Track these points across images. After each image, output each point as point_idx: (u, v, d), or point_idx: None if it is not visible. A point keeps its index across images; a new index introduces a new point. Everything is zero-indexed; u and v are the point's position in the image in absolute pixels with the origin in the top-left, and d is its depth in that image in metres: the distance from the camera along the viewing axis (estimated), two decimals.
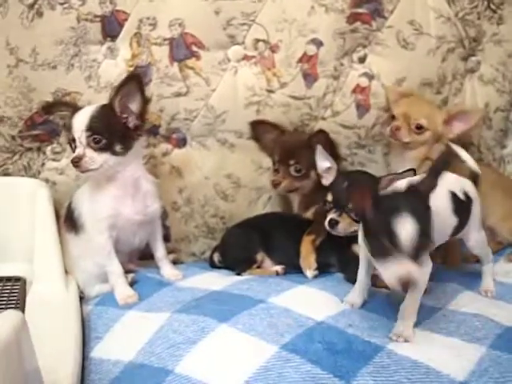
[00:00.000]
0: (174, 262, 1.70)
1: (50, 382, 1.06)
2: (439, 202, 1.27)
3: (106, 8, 1.66)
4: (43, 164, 1.75)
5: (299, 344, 1.17)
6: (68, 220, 1.61)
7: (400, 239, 1.09)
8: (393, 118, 1.70)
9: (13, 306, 1.39)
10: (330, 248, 1.55)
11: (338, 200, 1.49)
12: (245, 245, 1.64)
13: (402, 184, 1.21)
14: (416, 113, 1.67)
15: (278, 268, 1.59)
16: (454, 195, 1.32)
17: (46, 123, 1.71)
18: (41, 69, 1.66)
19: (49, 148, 1.74)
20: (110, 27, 1.68)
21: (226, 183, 1.82)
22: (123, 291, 1.49)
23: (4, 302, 1.40)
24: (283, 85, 1.76)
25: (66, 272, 1.58)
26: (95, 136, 1.46)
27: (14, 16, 1.62)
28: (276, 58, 1.74)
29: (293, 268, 1.57)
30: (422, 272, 1.12)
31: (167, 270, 1.61)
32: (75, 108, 1.53)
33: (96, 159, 1.46)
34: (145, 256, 1.68)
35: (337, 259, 1.56)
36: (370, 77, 1.78)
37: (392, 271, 1.10)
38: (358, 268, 1.33)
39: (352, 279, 1.41)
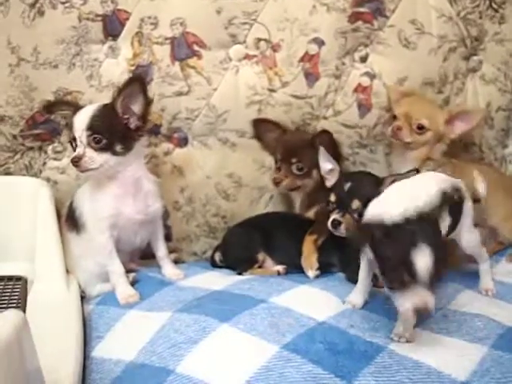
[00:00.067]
0: (176, 262, 1.70)
1: (51, 381, 1.06)
2: (434, 202, 1.27)
3: (107, 7, 1.66)
4: (44, 163, 1.75)
5: (300, 344, 1.17)
6: (69, 219, 1.61)
7: (417, 271, 1.08)
8: (394, 117, 1.70)
9: (14, 305, 1.39)
10: (331, 248, 1.55)
11: (341, 201, 1.49)
12: (246, 244, 1.64)
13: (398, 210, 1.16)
14: (417, 113, 1.67)
15: (280, 268, 1.59)
16: (446, 195, 1.32)
17: (47, 122, 1.71)
18: (42, 68, 1.66)
19: (50, 147, 1.74)
20: (112, 26, 1.68)
21: (227, 182, 1.82)
22: (124, 291, 1.49)
23: (5, 302, 1.40)
24: (285, 84, 1.75)
25: (68, 271, 1.58)
26: (95, 136, 1.45)
27: (15, 15, 1.62)
28: (277, 58, 1.74)
29: (294, 268, 1.57)
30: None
31: (168, 270, 1.61)
32: (76, 107, 1.53)
33: (96, 159, 1.46)
34: (146, 255, 1.68)
35: (338, 259, 1.56)
36: (372, 76, 1.78)
37: (408, 301, 1.10)
38: (359, 268, 1.33)
39: (353, 279, 1.41)
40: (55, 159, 1.75)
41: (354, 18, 1.73)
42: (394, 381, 1.08)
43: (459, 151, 1.81)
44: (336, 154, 1.65)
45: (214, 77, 1.73)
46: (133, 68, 1.70)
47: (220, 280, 1.53)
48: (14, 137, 1.71)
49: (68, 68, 1.68)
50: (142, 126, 1.52)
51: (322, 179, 1.59)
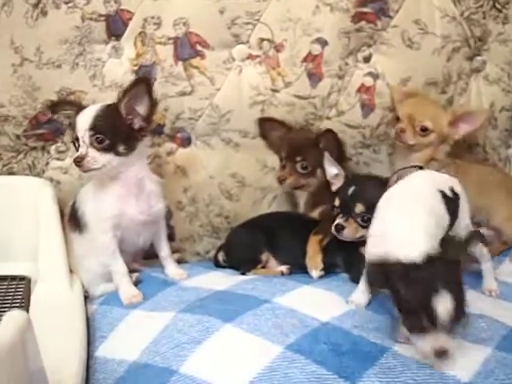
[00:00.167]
0: (179, 262, 1.70)
1: (54, 381, 1.06)
2: (434, 202, 1.27)
3: (110, 7, 1.66)
4: (47, 163, 1.75)
5: (304, 344, 1.16)
6: (72, 219, 1.61)
7: (438, 317, 1.06)
8: (397, 119, 1.69)
9: (17, 305, 1.39)
10: (336, 248, 1.55)
11: (345, 205, 1.49)
12: (249, 244, 1.64)
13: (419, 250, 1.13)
14: (421, 115, 1.66)
15: (283, 268, 1.59)
16: (443, 194, 1.32)
17: (50, 122, 1.71)
18: (45, 68, 1.66)
19: (53, 147, 1.75)
20: (115, 26, 1.68)
21: (230, 182, 1.81)
22: (128, 291, 1.49)
23: (9, 302, 1.41)
24: (288, 84, 1.75)
25: (71, 271, 1.58)
26: (98, 136, 1.45)
27: (18, 15, 1.62)
28: (281, 58, 1.74)
29: (298, 268, 1.57)
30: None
31: (172, 270, 1.61)
32: (80, 107, 1.52)
33: (98, 159, 1.45)
34: (149, 255, 1.68)
35: (343, 260, 1.56)
36: (375, 76, 1.78)
37: (427, 345, 1.09)
38: (363, 269, 1.32)
39: (358, 280, 1.40)
40: (58, 159, 1.75)
41: (358, 18, 1.73)
42: (398, 382, 1.08)
43: (463, 152, 1.81)
44: (341, 154, 1.65)
45: (217, 77, 1.73)
46: (136, 68, 1.70)
47: (223, 280, 1.52)
48: (18, 137, 1.71)
49: (71, 68, 1.68)
50: (146, 126, 1.51)
51: (326, 179, 1.59)
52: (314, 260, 1.55)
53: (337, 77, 1.76)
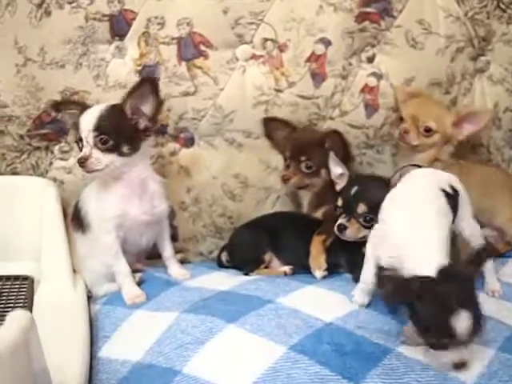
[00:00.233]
0: (182, 262, 1.70)
1: (58, 381, 1.06)
2: (439, 201, 1.28)
3: (114, 7, 1.66)
4: (51, 163, 1.75)
5: (308, 345, 1.16)
6: (75, 219, 1.61)
7: (456, 334, 1.06)
8: (401, 119, 1.69)
9: (20, 305, 1.39)
10: (339, 249, 1.54)
11: (347, 205, 1.49)
12: (253, 245, 1.64)
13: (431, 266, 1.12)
14: (424, 115, 1.66)
15: (286, 268, 1.58)
16: (445, 192, 1.32)
17: (54, 122, 1.71)
18: (49, 68, 1.66)
19: (57, 147, 1.75)
20: (118, 26, 1.68)
21: (233, 183, 1.81)
22: (131, 291, 1.49)
23: (12, 301, 1.40)
24: (291, 84, 1.75)
25: (74, 271, 1.58)
26: (102, 136, 1.44)
27: (22, 15, 1.62)
28: (284, 58, 1.74)
29: (301, 268, 1.56)
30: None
31: (175, 270, 1.61)
32: (84, 107, 1.52)
33: (102, 160, 1.45)
34: (152, 255, 1.68)
35: (346, 260, 1.55)
36: (379, 76, 1.77)
37: (446, 359, 1.09)
38: None
39: None
40: (62, 159, 1.75)
41: (361, 18, 1.73)
42: (402, 383, 1.08)
43: (467, 152, 1.80)
44: (346, 155, 1.65)
45: (220, 77, 1.73)
46: (139, 68, 1.70)
47: (226, 280, 1.52)
48: (21, 137, 1.71)
49: (75, 68, 1.68)
50: (151, 126, 1.51)
51: (330, 179, 1.60)
52: (318, 260, 1.54)
53: (340, 77, 1.76)
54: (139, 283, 1.54)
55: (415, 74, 1.77)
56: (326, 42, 1.73)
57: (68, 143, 1.73)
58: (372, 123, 1.79)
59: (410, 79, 1.77)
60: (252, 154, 1.80)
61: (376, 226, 1.32)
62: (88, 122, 1.46)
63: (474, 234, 1.42)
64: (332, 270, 1.54)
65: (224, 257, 1.71)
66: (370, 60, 1.77)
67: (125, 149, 1.47)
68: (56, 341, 1.15)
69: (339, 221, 1.49)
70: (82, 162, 1.45)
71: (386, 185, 1.44)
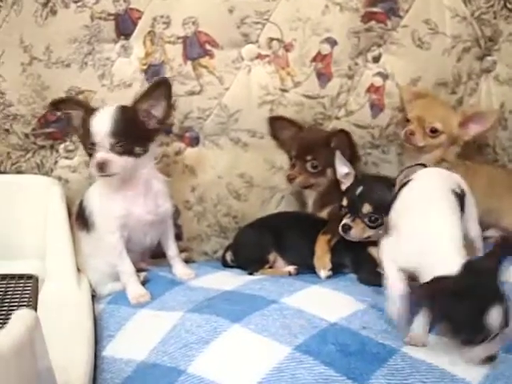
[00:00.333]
0: (186, 261, 1.69)
1: (62, 380, 1.05)
2: (451, 200, 1.27)
3: (119, 6, 1.66)
4: (56, 162, 1.75)
5: (312, 345, 1.16)
6: (79, 218, 1.61)
7: (488, 330, 1.06)
8: (407, 120, 1.69)
9: (25, 303, 1.39)
10: (344, 249, 1.54)
11: (352, 205, 1.49)
12: (257, 244, 1.63)
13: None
14: (431, 116, 1.66)
15: (291, 268, 1.58)
16: (454, 191, 1.32)
17: (59, 121, 1.70)
18: (54, 67, 1.66)
19: (62, 146, 1.75)
20: (124, 25, 1.68)
21: (238, 182, 1.81)
22: (135, 290, 1.49)
23: (16, 300, 1.40)
24: (297, 84, 1.75)
25: (79, 270, 1.58)
26: (119, 140, 1.43)
27: (27, 14, 1.62)
28: (290, 57, 1.73)
29: (306, 268, 1.56)
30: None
31: (179, 269, 1.61)
32: (87, 108, 1.51)
33: (119, 163, 1.44)
34: (157, 254, 1.68)
35: (351, 260, 1.55)
36: (385, 76, 1.77)
37: (478, 355, 1.09)
38: (371, 269, 1.31)
39: (366, 281, 1.41)
40: (67, 158, 1.75)
41: (367, 17, 1.72)
42: None
43: (473, 153, 1.80)
44: (353, 155, 1.64)
45: (226, 76, 1.73)
46: (145, 67, 1.70)
47: (231, 280, 1.52)
48: (26, 135, 1.71)
49: (80, 67, 1.68)
50: (159, 128, 1.52)
51: (336, 179, 1.59)
52: (323, 260, 1.54)
53: (346, 77, 1.76)
54: (144, 282, 1.54)
55: (421, 73, 1.76)
56: (332, 42, 1.72)
57: (73, 142, 1.73)
58: (378, 123, 1.79)
59: (416, 79, 1.76)
60: (257, 153, 1.79)
61: (389, 235, 1.31)
62: (102, 125, 1.44)
63: (477, 235, 1.43)
64: (337, 270, 1.54)
65: (228, 256, 1.71)
66: (376, 60, 1.76)
67: (138, 150, 1.47)
68: (60, 340, 1.14)
69: (344, 221, 1.48)
70: (101, 167, 1.44)
71: (391, 185, 1.44)
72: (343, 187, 1.56)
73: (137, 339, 1.32)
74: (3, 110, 1.68)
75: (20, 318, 0.91)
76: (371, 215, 1.46)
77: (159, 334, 1.28)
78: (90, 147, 1.46)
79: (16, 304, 1.38)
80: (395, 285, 1.22)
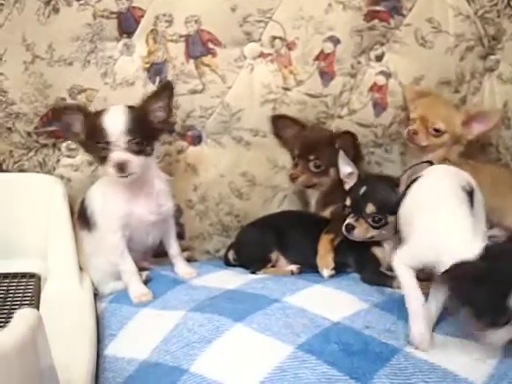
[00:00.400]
0: (188, 260, 1.69)
1: (64, 379, 1.05)
2: (461, 196, 1.28)
3: (122, 4, 1.65)
4: (58, 160, 1.75)
5: (315, 344, 1.16)
6: (81, 217, 1.61)
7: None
8: (410, 120, 1.68)
9: (27, 302, 1.39)
10: (347, 248, 1.54)
11: (356, 205, 1.48)
12: (260, 243, 1.63)
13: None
14: (434, 116, 1.65)
15: (293, 267, 1.58)
16: (464, 188, 1.32)
17: (61, 120, 1.70)
18: (57, 65, 1.66)
19: (64, 144, 1.74)
20: (126, 24, 1.67)
21: (241, 181, 1.81)
22: (137, 289, 1.49)
23: (19, 299, 1.41)
24: (299, 82, 1.74)
25: (81, 269, 1.58)
26: (134, 139, 1.43)
27: (30, 12, 1.62)
28: (292, 56, 1.73)
29: (308, 267, 1.55)
30: None
31: (181, 268, 1.61)
32: (85, 112, 1.50)
33: (136, 162, 1.44)
34: (159, 253, 1.67)
35: (354, 259, 1.55)
36: (388, 75, 1.76)
37: (500, 337, 1.10)
38: (375, 269, 1.31)
39: (369, 280, 1.40)
40: (69, 156, 1.75)
41: (370, 16, 1.72)
42: (410, 383, 1.07)
43: (476, 152, 1.79)
44: (356, 155, 1.64)
45: (228, 75, 1.73)
46: (147, 66, 1.70)
47: (233, 279, 1.52)
48: (29, 134, 1.71)
49: (83, 65, 1.68)
50: (163, 127, 1.53)
51: (339, 178, 1.59)
52: (326, 259, 1.53)
53: (349, 75, 1.75)
54: (146, 281, 1.54)
55: (424, 72, 1.76)
56: (335, 41, 1.72)
57: None
58: (380, 122, 1.78)
59: (419, 78, 1.76)
60: (259, 152, 1.79)
61: (404, 242, 1.31)
62: (117, 124, 1.43)
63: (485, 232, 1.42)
64: (339, 270, 1.53)
65: (231, 255, 1.71)
66: (379, 58, 1.76)
67: (148, 150, 1.47)
68: (63, 339, 1.14)
69: (347, 220, 1.48)
70: (121, 168, 1.43)
71: (395, 185, 1.44)
72: (346, 187, 1.55)
73: (139, 338, 1.32)
74: (6, 109, 1.67)
75: (22, 316, 0.91)
76: (375, 215, 1.46)
77: (161, 333, 1.28)
78: (103, 148, 1.44)
79: (18, 303, 1.39)
80: (413, 293, 1.23)
